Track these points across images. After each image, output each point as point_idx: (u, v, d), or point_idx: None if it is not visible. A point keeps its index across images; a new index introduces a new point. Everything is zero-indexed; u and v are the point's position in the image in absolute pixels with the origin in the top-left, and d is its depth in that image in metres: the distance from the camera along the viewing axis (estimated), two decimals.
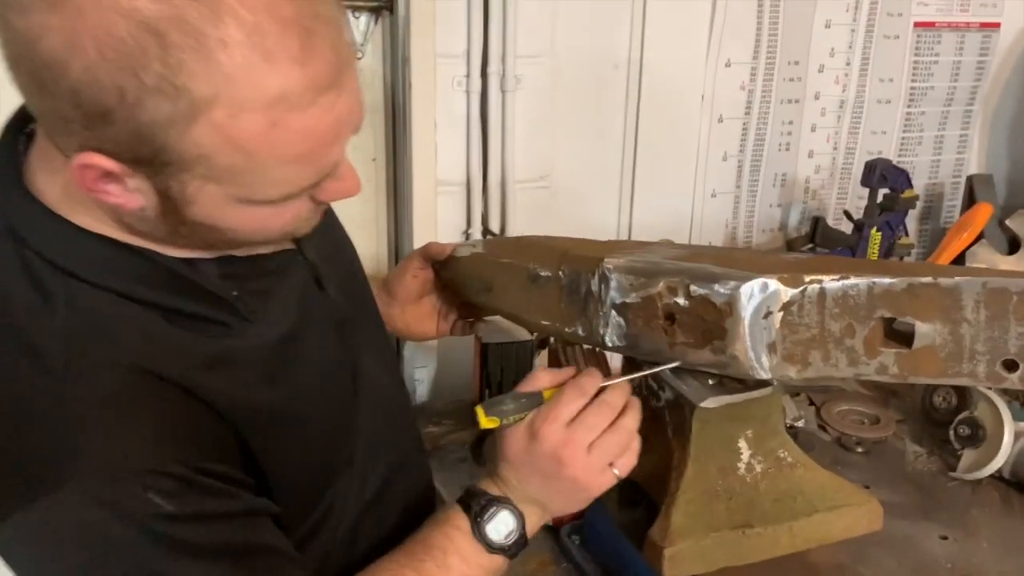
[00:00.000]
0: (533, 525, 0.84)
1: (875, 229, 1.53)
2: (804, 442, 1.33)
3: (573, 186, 1.59)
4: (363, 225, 1.43)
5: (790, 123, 1.71)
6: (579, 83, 1.54)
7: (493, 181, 1.51)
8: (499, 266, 1.02)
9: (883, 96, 1.75)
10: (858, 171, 1.64)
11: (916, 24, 1.72)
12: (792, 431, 1.33)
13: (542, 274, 0.97)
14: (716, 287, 0.83)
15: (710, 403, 0.86)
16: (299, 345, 0.76)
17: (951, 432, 1.31)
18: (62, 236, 0.65)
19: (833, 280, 0.81)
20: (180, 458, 0.62)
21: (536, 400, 0.82)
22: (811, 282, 0.81)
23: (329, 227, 0.91)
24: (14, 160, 0.67)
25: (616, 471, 0.83)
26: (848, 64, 1.70)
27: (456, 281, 1.09)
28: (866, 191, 1.59)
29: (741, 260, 0.87)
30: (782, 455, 0.89)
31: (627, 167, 1.62)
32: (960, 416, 1.30)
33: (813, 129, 1.73)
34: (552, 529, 1.15)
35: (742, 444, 0.88)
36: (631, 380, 0.86)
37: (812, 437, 1.37)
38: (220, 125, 0.57)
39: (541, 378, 0.84)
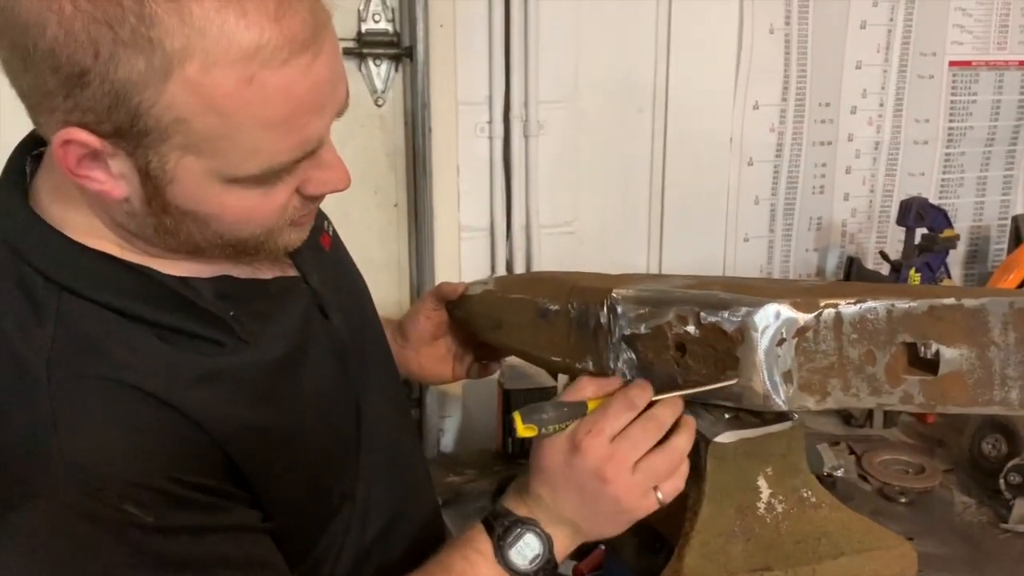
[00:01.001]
0: (563, 548, 0.79)
1: (914, 270, 1.47)
2: (843, 492, 1.26)
3: (600, 231, 1.58)
4: (384, 269, 1.42)
5: (823, 165, 1.67)
6: (604, 127, 1.53)
7: (517, 226, 1.51)
8: (508, 302, 1.00)
9: (920, 137, 1.71)
10: (897, 212, 1.59)
11: (951, 63, 1.68)
12: (830, 480, 1.27)
13: (551, 308, 0.95)
14: (727, 314, 0.79)
15: (725, 438, 0.81)
16: (297, 370, 0.74)
17: (1001, 481, 1.23)
18: (59, 251, 0.66)
19: (849, 304, 0.77)
20: (161, 471, 0.61)
21: (579, 410, 0.77)
22: (826, 306, 0.77)
23: (338, 259, 0.91)
24: (21, 180, 0.69)
25: (660, 495, 0.77)
26: (881, 105, 1.67)
27: (468, 320, 1.06)
28: (904, 231, 1.54)
29: (754, 287, 0.83)
30: (805, 494, 0.84)
31: (655, 211, 1.61)
32: (1011, 463, 1.23)
33: (848, 171, 1.69)
34: None
35: (761, 482, 0.83)
36: (684, 396, 0.80)
37: (852, 487, 1.30)
38: (194, 81, 0.57)
39: (586, 387, 0.80)
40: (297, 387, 0.74)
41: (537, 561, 0.77)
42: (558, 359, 0.94)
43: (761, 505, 0.82)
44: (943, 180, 1.74)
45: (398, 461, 0.89)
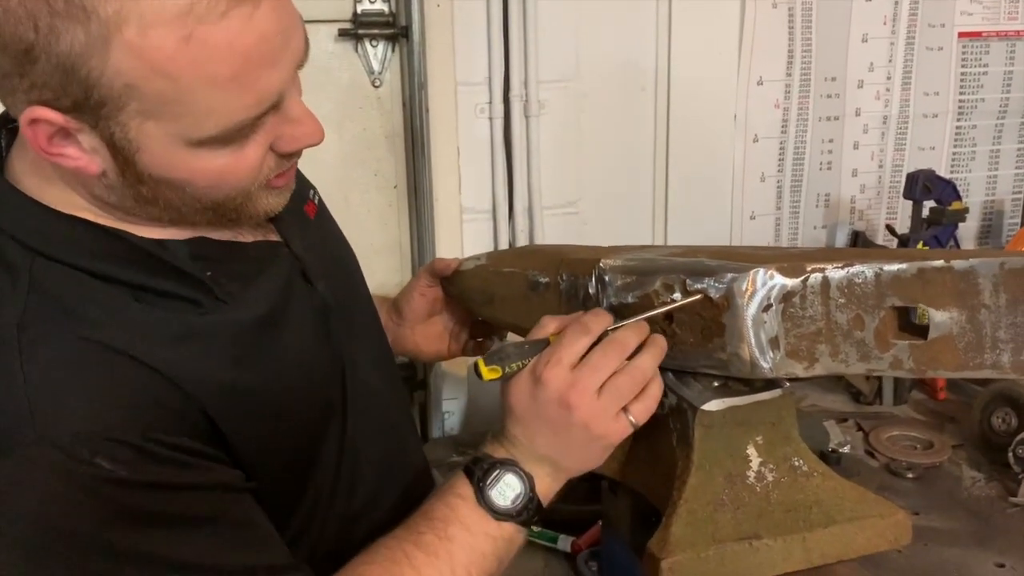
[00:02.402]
0: (545, 486, 0.79)
1: (921, 244, 1.44)
2: (848, 468, 1.25)
3: (603, 211, 1.56)
4: (385, 252, 1.42)
5: (830, 141, 1.65)
6: (606, 106, 1.52)
7: (519, 207, 1.50)
8: (500, 276, 0.99)
9: (929, 110, 1.68)
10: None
11: (961, 34, 1.65)
12: (835, 455, 1.26)
13: (541, 281, 0.94)
14: (712, 281, 0.78)
15: (713, 406, 0.80)
16: (277, 331, 0.74)
17: (1010, 455, 1.21)
18: (32, 216, 0.67)
19: (837, 268, 0.75)
20: (136, 429, 0.62)
21: (541, 346, 0.77)
22: (813, 271, 0.76)
23: (323, 228, 0.90)
24: None
25: (632, 417, 0.77)
26: (889, 78, 1.65)
27: (462, 296, 1.06)
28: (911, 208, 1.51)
29: (741, 254, 0.82)
30: (796, 463, 0.83)
31: (659, 190, 1.59)
32: (1020, 437, 1.21)
33: (856, 147, 1.67)
34: (569, 556, 1.10)
35: (751, 451, 0.82)
36: (644, 318, 0.79)
37: (858, 463, 1.29)
38: (134, 45, 0.57)
39: (548, 324, 0.79)
40: (277, 349, 0.74)
41: (519, 500, 0.77)
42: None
43: (751, 474, 0.81)
44: (954, 154, 1.71)
45: (387, 430, 0.89)
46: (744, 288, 0.76)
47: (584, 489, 1.19)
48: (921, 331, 0.75)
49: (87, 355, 0.62)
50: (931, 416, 1.44)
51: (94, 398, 0.62)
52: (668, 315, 0.82)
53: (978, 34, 1.66)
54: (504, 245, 1.51)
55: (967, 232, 1.69)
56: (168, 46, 0.57)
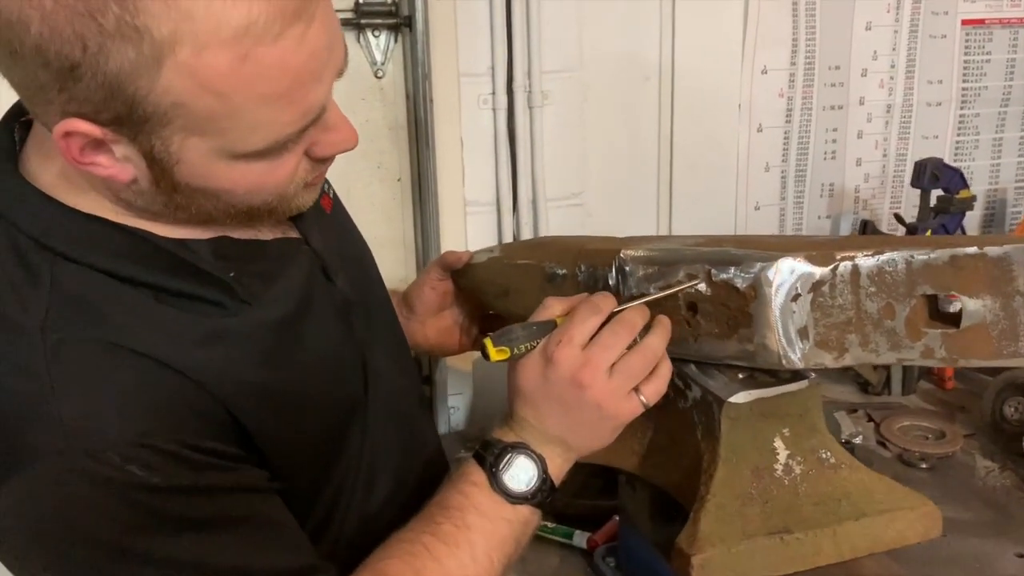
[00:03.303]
0: (557, 468, 0.78)
1: (929, 232, 1.43)
2: (862, 459, 1.21)
3: (608, 202, 1.54)
4: (389, 245, 1.40)
5: (834, 130, 1.64)
6: (609, 96, 1.50)
7: (524, 199, 1.48)
8: (515, 268, 0.98)
9: (933, 99, 1.67)
10: (910, 177, 1.55)
11: (964, 22, 1.64)
12: (848, 447, 1.24)
13: (559, 272, 0.92)
14: (739, 270, 0.76)
15: (739, 398, 0.79)
16: (300, 329, 0.73)
17: None
18: (50, 216, 0.64)
19: (867, 256, 0.74)
20: (164, 432, 0.61)
21: (548, 327, 0.76)
22: (843, 259, 0.74)
23: (339, 222, 0.89)
24: (9, 147, 0.68)
25: (643, 397, 0.76)
26: (893, 67, 1.63)
27: (474, 289, 1.04)
28: (919, 195, 1.50)
29: (767, 243, 0.80)
30: (824, 455, 0.81)
31: (664, 181, 1.57)
32: None
33: (860, 136, 1.66)
34: (585, 553, 1.08)
35: (778, 443, 0.81)
36: (649, 301, 0.79)
37: (871, 454, 1.28)
38: (187, 65, 0.55)
39: (553, 305, 0.78)
40: (301, 347, 0.73)
41: (533, 482, 0.76)
42: None
43: (778, 467, 0.80)
44: (957, 142, 1.70)
45: (405, 424, 0.87)
46: (772, 277, 0.74)
47: (598, 484, 1.19)
48: (954, 319, 0.73)
49: (112, 360, 0.61)
50: (940, 406, 1.44)
51: (123, 403, 0.60)
52: (691, 306, 0.81)
53: (981, 22, 1.65)
54: (508, 238, 1.49)
55: (971, 221, 1.68)
56: (222, 66, 0.56)
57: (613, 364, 0.75)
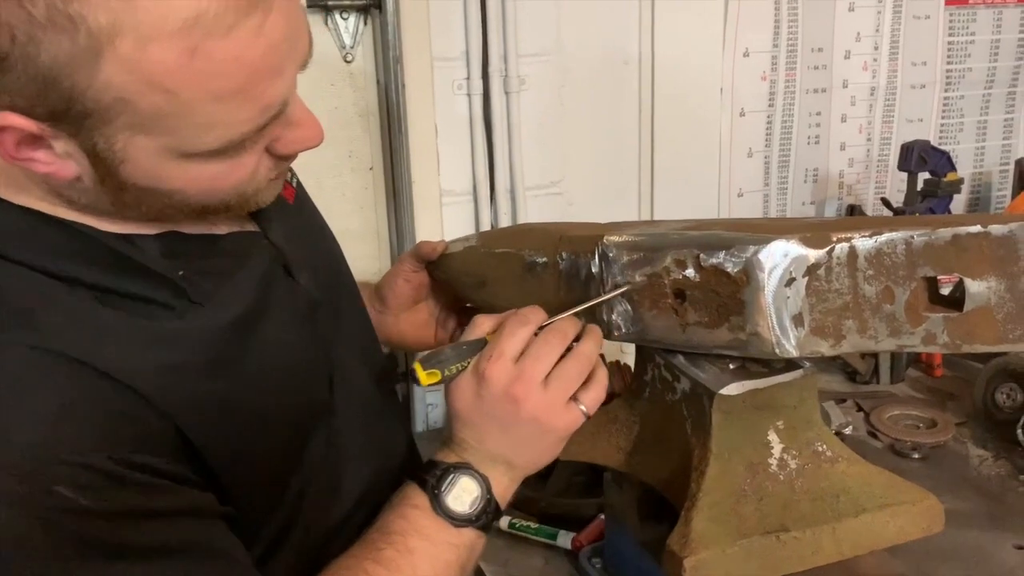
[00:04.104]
0: (503, 487, 0.75)
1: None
2: (853, 449, 1.20)
3: (588, 190, 1.51)
4: (362, 238, 1.35)
5: (818, 114, 1.61)
6: (588, 81, 1.46)
7: (501, 188, 1.44)
8: (493, 257, 0.93)
9: (917, 81, 1.64)
10: (896, 162, 1.52)
11: (948, 2, 1.62)
12: (839, 438, 1.21)
13: (539, 261, 0.88)
14: (729, 255, 0.72)
15: (732, 389, 0.74)
16: (257, 331, 0.68)
17: (1018, 431, 1.18)
18: None
19: (864, 237, 0.70)
20: (99, 449, 0.55)
21: (479, 345, 0.73)
22: (839, 241, 0.70)
23: (303, 213, 0.84)
24: None
25: (583, 407, 0.73)
26: (876, 48, 1.61)
27: (450, 281, 0.99)
28: (906, 180, 1.47)
29: (759, 225, 0.76)
30: (820, 448, 0.77)
31: (645, 168, 1.54)
32: None
33: (843, 120, 1.63)
34: (570, 553, 1.04)
35: (772, 437, 0.76)
36: (579, 312, 0.77)
37: (862, 445, 1.25)
38: (130, 59, 0.50)
39: (482, 323, 0.75)
40: (258, 350, 0.67)
41: (477, 504, 0.72)
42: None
43: (773, 461, 0.76)
44: (942, 125, 1.67)
45: (376, 429, 0.83)
46: (765, 261, 0.70)
47: (582, 482, 1.15)
48: (956, 303, 0.70)
49: (44, 368, 0.55)
50: (930, 394, 1.41)
51: (50, 416, 0.54)
52: (679, 293, 0.76)
53: (965, 2, 1.62)
54: (486, 228, 1.44)
55: (956, 205, 1.65)
56: (169, 60, 0.51)
57: (547, 375, 0.71)
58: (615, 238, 0.80)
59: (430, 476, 0.73)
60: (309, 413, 0.73)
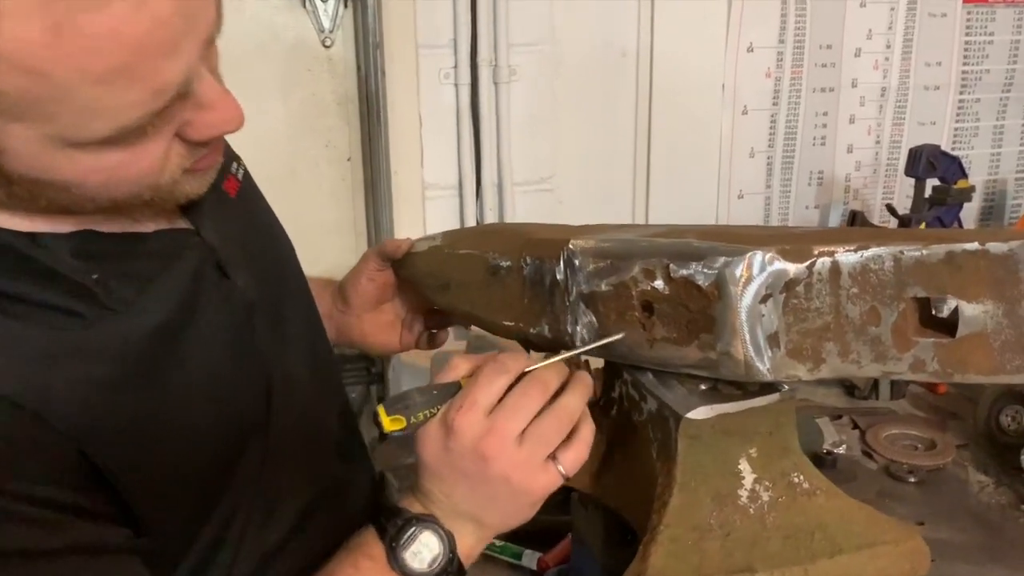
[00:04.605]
0: (468, 546, 0.68)
1: (923, 225, 1.33)
2: (844, 471, 1.14)
3: (580, 188, 1.47)
4: (338, 231, 1.29)
5: (824, 114, 1.55)
6: (583, 73, 1.41)
7: (488, 183, 1.40)
8: (457, 259, 0.87)
9: (931, 82, 1.57)
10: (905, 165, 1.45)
11: (966, 0, 1.53)
12: (830, 457, 1.14)
13: (503, 265, 0.81)
14: (701, 266, 0.66)
15: (699, 413, 0.68)
16: (180, 342, 0.61)
17: (1022, 457, 1.11)
18: None
19: (848, 251, 0.63)
20: None
21: (451, 390, 0.66)
22: (821, 255, 0.63)
23: (248, 208, 0.78)
24: None
25: (561, 467, 0.66)
26: (888, 47, 1.54)
27: (415, 281, 0.93)
28: (913, 184, 1.40)
29: (736, 234, 0.69)
30: (796, 479, 0.71)
31: (640, 166, 1.50)
32: None
33: (851, 121, 1.57)
34: (535, 574, 0.98)
35: (744, 466, 0.70)
36: (565, 358, 0.70)
37: (855, 465, 1.18)
38: None
39: (459, 365, 0.68)
40: (181, 361, 0.61)
41: (438, 563, 0.66)
42: (511, 323, 0.81)
43: (743, 493, 0.69)
44: (956, 129, 1.60)
45: (320, 445, 0.77)
46: (739, 275, 0.64)
47: (556, 497, 1.08)
48: (949, 327, 0.63)
49: None
50: (931, 412, 1.34)
51: None
52: (647, 306, 0.70)
53: (984, 0, 1.54)
54: (471, 224, 1.39)
55: (968, 213, 1.58)
56: (31, 38, 0.44)
57: (523, 431, 0.64)
58: (581, 243, 0.74)
59: (390, 525, 0.66)
60: (241, 429, 0.67)
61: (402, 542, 0.65)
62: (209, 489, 0.64)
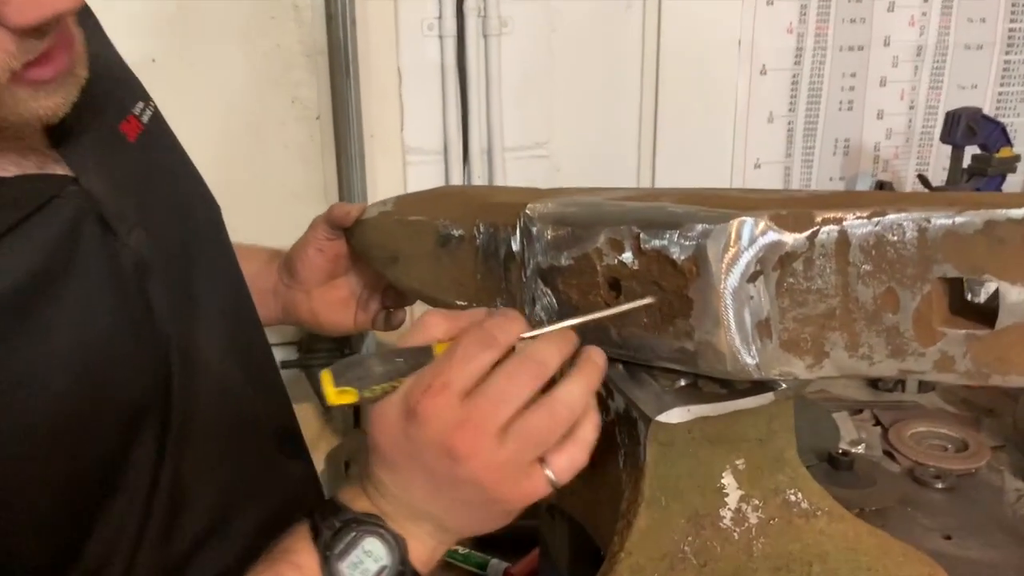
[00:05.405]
0: (425, 554, 0.54)
1: None
2: (863, 474, 1.01)
3: (579, 154, 1.35)
4: (308, 196, 1.18)
5: (852, 76, 1.42)
6: (583, 26, 1.29)
7: (476, 148, 1.29)
8: (405, 226, 0.75)
9: (972, 41, 1.44)
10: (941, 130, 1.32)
11: None
12: (847, 459, 1.02)
13: (454, 234, 0.70)
14: (675, 236, 0.53)
15: (673, 416, 0.56)
16: (42, 309, 0.52)
17: None
18: None
19: (860, 219, 0.50)
20: None
21: (421, 359, 0.52)
22: (825, 222, 0.51)
23: (150, 156, 0.66)
24: None
25: (550, 473, 0.52)
26: (926, 1, 1.38)
27: (364, 252, 0.82)
28: (950, 153, 1.26)
29: (722, 197, 0.57)
30: (792, 497, 0.58)
31: (646, 131, 1.38)
32: None
33: (882, 83, 1.44)
34: None
35: (728, 480, 0.58)
36: (576, 325, 0.55)
37: (875, 468, 1.05)
38: None
39: (432, 325, 0.53)
40: (44, 332, 0.51)
41: (385, 574, 0.52)
42: (463, 303, 0.70)
43: (727, 513, 0.57)
44: (1000, 93, 1.47)
45: (240, 436, 0.67)
46: (722, 247, 0.51)
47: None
48: (986, 315, 0.50)
49: None
50: (964, 407, 1.21)
51: None
52: (613, 283, 0.58)
53: None
54: None
55: (1011, 186, 1.43)
56: None
57: (506, 423, 0.50)
58: (540, 207, 0.62)
59: (325, 527, 0.53)
60: (126, 417, 0.56)
61: (339, 550, 0.52)
62: (86, 492, 0.54)
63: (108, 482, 0.56)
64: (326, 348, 1.18)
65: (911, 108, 1.45)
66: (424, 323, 0.53)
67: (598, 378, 0.53)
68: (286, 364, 1.12)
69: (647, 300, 0.55)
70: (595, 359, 0.54)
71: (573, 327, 0.54)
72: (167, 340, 0.60)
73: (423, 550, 0.54)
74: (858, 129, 1.44)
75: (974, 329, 0.50)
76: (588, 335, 0.60)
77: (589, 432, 0.53)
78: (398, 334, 1.22)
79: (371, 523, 0.53)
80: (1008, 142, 1.22)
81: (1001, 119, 1.43)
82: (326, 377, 0.49)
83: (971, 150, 1.24)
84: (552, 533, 0.75)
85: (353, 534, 0.52)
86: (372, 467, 0.54)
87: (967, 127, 1.20)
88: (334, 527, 0.52)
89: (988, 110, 1.44)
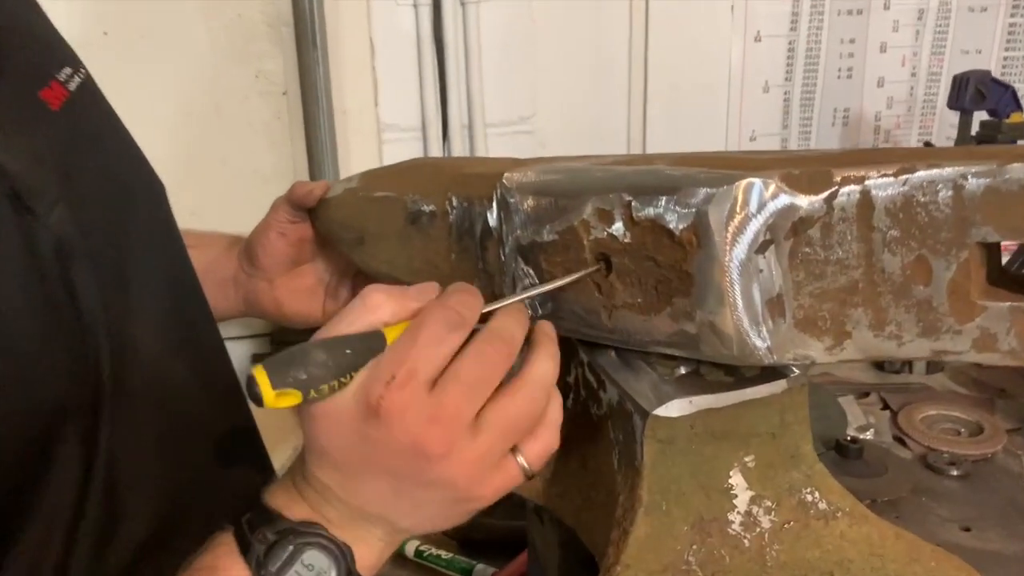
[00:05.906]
0: (372, 557, 0.48)
1: None
2: (873, 462, 0.95)
3: (564, 130, 1.29)
4: (275, 178, 1.11)
5: (851, 42, 1.36)
6: None
7: (456, 124, 1.23)
8: (372, 204, 0.68)
9: (977, 2, 1.37)
10: (946, 100, 1.25)
11: None
12: (856, 446, 0.95)
13: (425, 210, 0.63)
14: (672, 202, 0.47)
15: (674, 409, 0.49)
16: None
17: None
18: None
19: (886, 176, 0.44)
20: None
21: (373, 344, 0.45)
22: (845, 182, 0.44)
23: (79, 126, 0.60)
24: None
25: (522, 460, 0.47)
26: None
27: (329, 234, 0.75)
28: (956, 119, 1.19)
29: (724, 160, 0.50)
30: (810, 497, 0.52)
31: (636, 103, 1.32)
32: None
33: (883, 49, 1.38)
34: None
35: (736, 480, 0.51)
36: (532, 296, 0.52)
37: (885, 455, 0.99)
38: None
39: (377, 305, 0.46)
40: None
41: None
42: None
43: (736, 517, 0.51)
44: (1006, 58, 1.40)
45: (185, 440, 0.61)
46: (726, 213, 0.45)
47: (514, 503, 0.91)
48: None
49: None
50: (976, 388, 1.15)
51: None
52: (603, 259, 0.51)
53: None
54: None
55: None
56: None
57: (481, 409, 0.45)
58: (518, 176, 0.55)
59: (257, 540, 0.46)
60: (43, 414, 0.50)
61: (275, 568, 0.45)
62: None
63: (27, 483, 0.50)
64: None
65: (913, 75, 1.38)
66: (367, 304, 0.46)
67: (557, 351, 0.49)
68: (257, 358, 1.05)
69: (593, 268, 0.51)
70: (550, 332, 0.49)
71: (529, 298, 0.51)
72: (94, 330, 0.53)
73: (371, 554, 0.48)
74: (858, 98, 1.38)
75: (1019, 301, 0.44)
76: (574, 318, 0.54)
77: (557, 413, 0.49)
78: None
79: (311, 533, 0.46)
80: (1019, 107, 1.15)
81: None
82: (261, 376, 0.42)
83: (980, 116, 1.18)
84: (541, 538, 0.69)
85: (291, 548, 0.45)
86: (311, 469, 0.47)
87: (976, 91, 1.13)
88: (268, 540, 0.46)
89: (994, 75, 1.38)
